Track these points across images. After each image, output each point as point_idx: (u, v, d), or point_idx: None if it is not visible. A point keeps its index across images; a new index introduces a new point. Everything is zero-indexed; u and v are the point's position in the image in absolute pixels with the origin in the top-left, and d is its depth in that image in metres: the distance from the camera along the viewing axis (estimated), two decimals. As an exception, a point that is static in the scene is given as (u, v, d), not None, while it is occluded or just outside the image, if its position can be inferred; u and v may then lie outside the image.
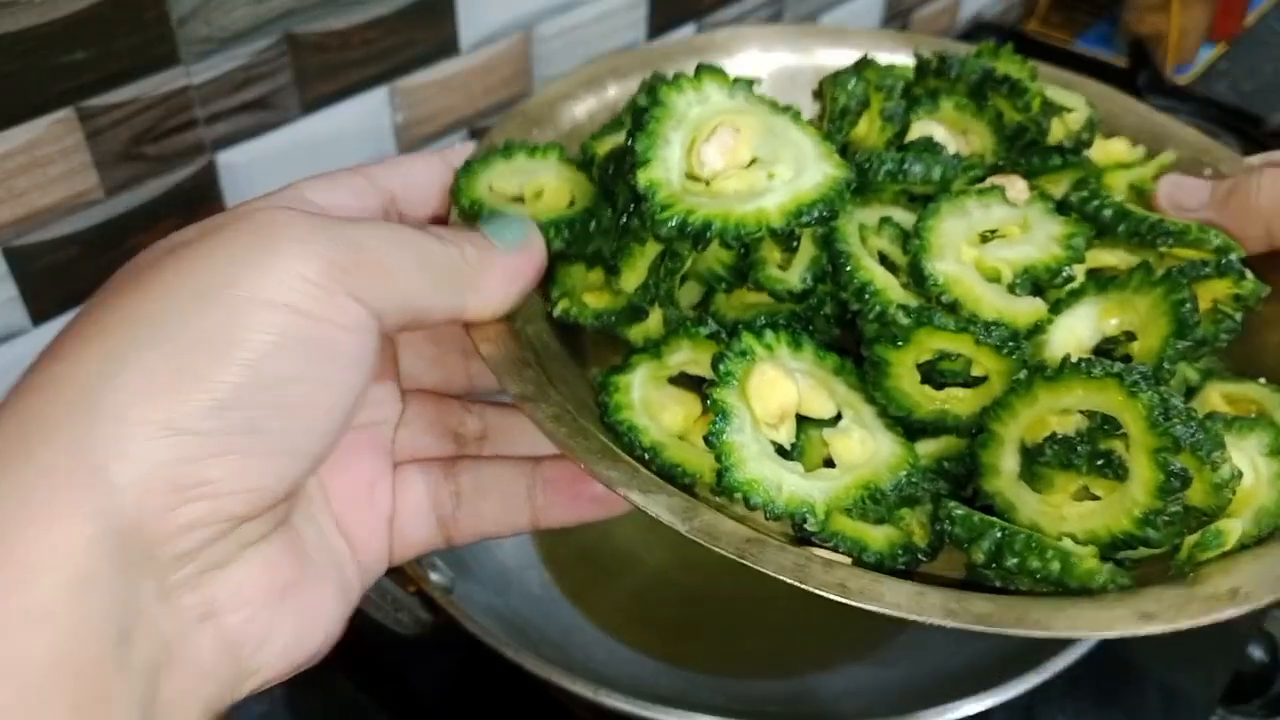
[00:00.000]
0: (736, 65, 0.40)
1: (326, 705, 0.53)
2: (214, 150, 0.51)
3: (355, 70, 0.55)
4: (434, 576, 0.38)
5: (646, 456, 0.28)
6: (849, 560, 0.27)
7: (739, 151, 0.30)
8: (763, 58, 0.41)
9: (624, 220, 0.31)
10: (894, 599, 0.25)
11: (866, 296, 0.30)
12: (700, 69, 0.31)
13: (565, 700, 0.45)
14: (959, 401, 0.29)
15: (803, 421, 0.29)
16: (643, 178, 0.29)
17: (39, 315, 0.48)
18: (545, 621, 0.46)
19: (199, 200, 0.52)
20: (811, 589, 0.24)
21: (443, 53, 0.59)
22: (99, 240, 0.49)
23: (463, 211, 0.31)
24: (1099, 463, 0.27)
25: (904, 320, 0.29)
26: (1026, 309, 0.30)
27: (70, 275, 0.49)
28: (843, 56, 0.40)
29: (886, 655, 0.47)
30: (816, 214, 0.29)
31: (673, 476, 0.28)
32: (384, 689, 0.52)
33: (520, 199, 0.32)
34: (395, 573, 0.38)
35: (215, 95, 0.50)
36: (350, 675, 0.54)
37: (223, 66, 0.50)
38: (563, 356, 0.31)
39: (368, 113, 0.57)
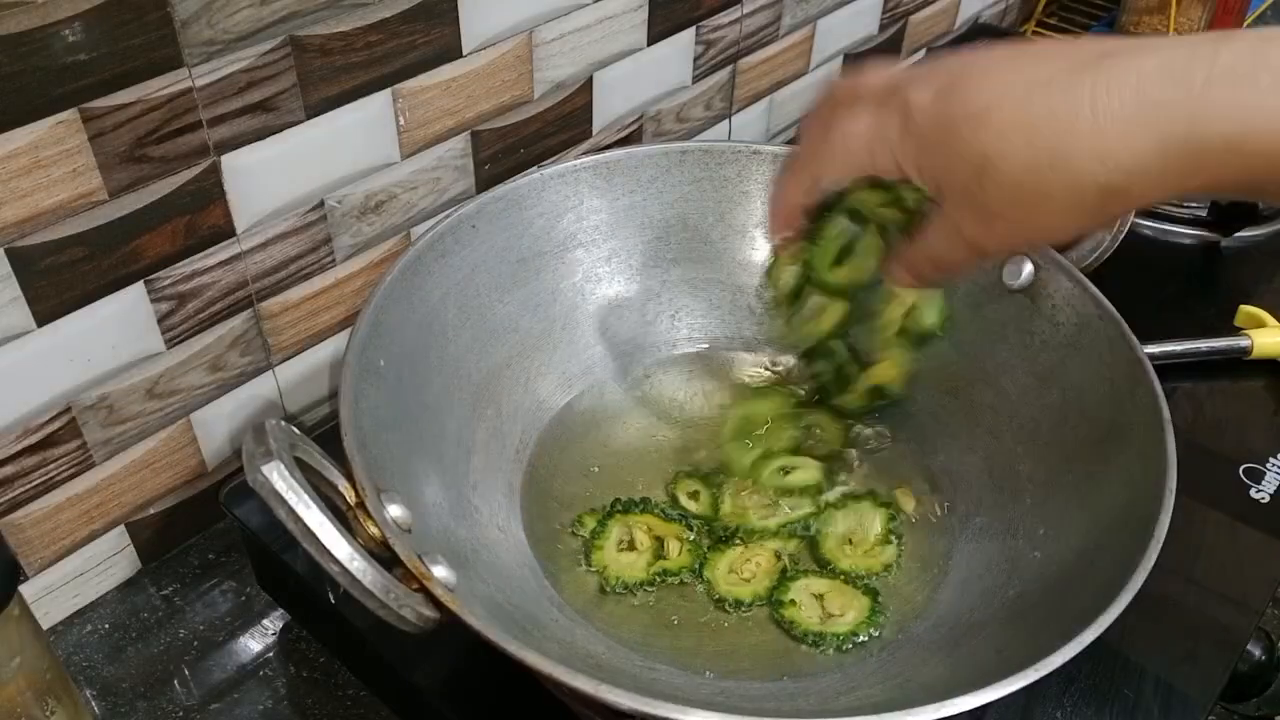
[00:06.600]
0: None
1: (331, 701, 0.53)
2: (218, 153, 0.52)
3: (358, 73, 0.56)
4: (438, 573, 0.38)
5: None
6: None
7: None
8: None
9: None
10: None
11: None
12: None
13: (567, 695, 0.45)
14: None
15: None
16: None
17: (42, 317, 0.49)
18: (547, 618, 0.46)
19: (203, 203, 0.52)
20: None
21: (445, 56, 0.60)
22: (102, 242, 0.49)
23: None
24: None
25: None
26: None
27: (74, 276, 0.49)
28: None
29: (885, 652, 0.47)
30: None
31: None
32: (388, 685, 0.52)
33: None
34: (399, 570, 0.38)
35: (219, 98, 0.50)
36: (355, 672, 0.54)
37: (226, 69, 0.50)
38: None
39: (371, 116, 0.58)
